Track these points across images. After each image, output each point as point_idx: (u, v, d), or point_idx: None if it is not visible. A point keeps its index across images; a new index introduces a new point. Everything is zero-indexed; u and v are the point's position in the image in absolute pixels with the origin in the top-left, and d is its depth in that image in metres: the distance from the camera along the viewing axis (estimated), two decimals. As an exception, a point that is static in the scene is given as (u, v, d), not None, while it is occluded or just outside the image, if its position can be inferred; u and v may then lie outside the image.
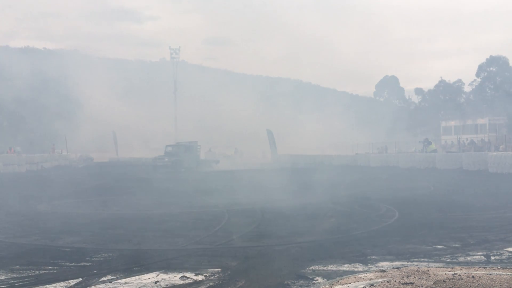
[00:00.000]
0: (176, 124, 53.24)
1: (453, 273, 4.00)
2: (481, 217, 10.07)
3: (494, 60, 62.83)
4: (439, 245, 7.33)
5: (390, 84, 78.33)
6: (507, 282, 3.68)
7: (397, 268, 4.51)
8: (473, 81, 65.44)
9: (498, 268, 4.44)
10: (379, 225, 9.12)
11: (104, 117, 44.54)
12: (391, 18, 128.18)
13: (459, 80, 68.02)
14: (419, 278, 3.87)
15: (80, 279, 5.54)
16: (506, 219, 9.79)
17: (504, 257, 6.48)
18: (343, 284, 3.95)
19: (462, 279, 3.78)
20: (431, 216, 10.29)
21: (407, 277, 3.94)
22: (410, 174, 24.14)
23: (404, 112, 67.26)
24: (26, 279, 5.59)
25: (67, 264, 6.40)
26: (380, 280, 3.91)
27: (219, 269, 5.89)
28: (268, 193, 15.27)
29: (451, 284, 3.67)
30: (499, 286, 3.62)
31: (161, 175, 26.10)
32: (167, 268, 6.02)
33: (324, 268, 5.93)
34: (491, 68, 63.24)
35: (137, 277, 5.60)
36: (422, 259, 6.34)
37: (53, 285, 5.36)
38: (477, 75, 64.21)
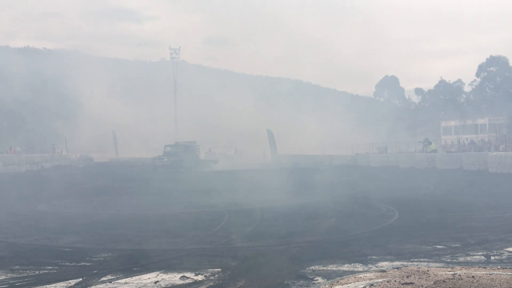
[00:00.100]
0: (176, 124, 53.25)
1: (453, 273, 4.00)
2: (481, 217, 10.07)
3: (494, 60, 62.84)
4: (439, 245, 7.33)
5: (390, 84, 78.32)
6: (507, 282, 3.68)
7: (397, 268, 4.52)
8: (473, 81, 65.48)
9: (498, 268, 4.44)
10: (379, 225, 9.12)
11: (104, 117, 44.56)
12: (391, 18, 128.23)
13: (459, 80, 68.03)
14: (419, 278, 3.87)
15: (80, 279, 5.54)
16: (506, 219, 9.79)
17: (504, 257, 6.48)
18: (343, 284, 3.95)
19: (462, 279, 3.78)
20: (431, 216, 10.29)
21: (407, 277, 3.94)
22: (410, 174, 24.13)
23: (404, 112, 67.30)
24: (26, 279, 5.59)
25: (67, 264, 6.40)
26: (380, 280, 3.91)
27: (219, 269, 5.89)
28: (268, 193, 15.27)
29: (451, 284, 3.67)
30: (499, 286, 3.62)
31: (161, 175, 26.10)
32: (167, 268, 6.02)
33: (324, 268, 5.93)
34: (491, 68, 63.24)
35: (137, 277, 5.60)
36: (422, 259, 6.34)
37: (53, 285, 5.36)
38: (477, 75, 64.22)
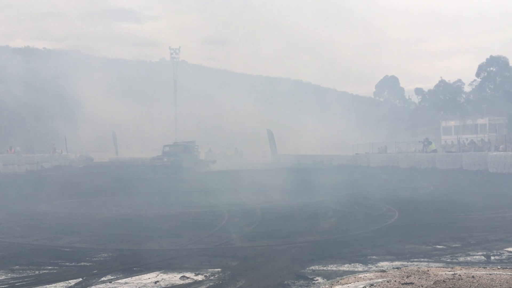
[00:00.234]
0: (176, 124, 53.21)
1: (453, 273, 4.00)
2: (481, 217, 10.08)
3: (494, 60, 62.82)
4: (439, 245, 7.33)
5: (390, 84, 78.26)
6: (507, 282, 3.68)
7: (397, 268, 4.51)
8: (473, 81, 65.46)
9: (498, 268, 4.44)
10: (379, 225, 9.12)
11: (104, 117, 44.57)
12: (391, 18, 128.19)
13: (459, 80, 68.00)
14: (419, 278, 3.87)
15: (80, 279, 5.54)
16: (506, 219, 9.79)
17: (504, 257, 6.48)
18: (343, 284, 3.95)
19: (462, 279, 3.78)
20: (431, 216, 10.29)
21: (407, 277, 3.94)
22: (410, 174, 24.13)
23: (404, 112, 67.31)
24: (26, 279, 5.59)
25: (67, 264, 6.40)
26: (380, 280, 3.91)
27: (219, 269, 5.90)
28: (268, 193, 15.27)
29: (451, 284, 3.67)
30: (499, 286, 3.62)
31: (161, 175, 26.08)
32: (167, 268, 6.02)
33: (324, 268, 5.93)
34: (491, 68, 63.23)
35: (137, 277, 5.60)
36: (422, 259, 6.34)
37: (53, 285, 5.36)
38: (477, 75, 64.21)
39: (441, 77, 70.01)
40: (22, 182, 20.27)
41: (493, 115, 50.61)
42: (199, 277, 5.55)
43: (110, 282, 5.40)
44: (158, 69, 70.24)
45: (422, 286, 3.66)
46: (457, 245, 7.25)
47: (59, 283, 5.41)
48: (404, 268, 4.35)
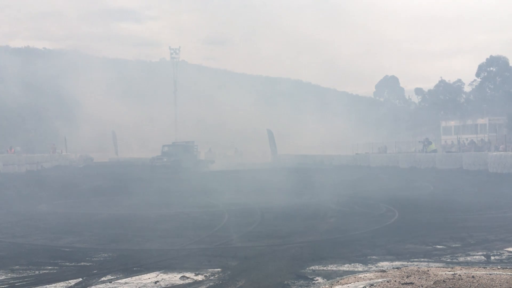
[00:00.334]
0: (176, 124, 53.19)
1: (453, 273, 4.00)
2: (481, 217, 10.08)
3: (494, 60, 62.83)
4: (439, 245, 7.33)
5: (390, 84, 78.26)
6: (507, 282, 3.68)
7: (397, 268, 4.51)
8: (473, 81, 65.48)
9: (498, 268, 4.44)
10: (379, 225, 9.12)
11: (104, 117, 44.54)
12: (391, 18, 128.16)
13: (459, 80, 68.03)
14: (419, 278, 3.87)
15: (80, 279, 5.54)
16: (506, 219, 9.79)
17: (504, 257, 6.48)
18: (343, 284, 3.95)
19: (462, 279, 3.78)
20: (431, 216, 10.29)
21: (407, 277, 3.94)
22: (410, 174, 24.13)
23: (404, 112, 67.31)
24: (26, 279, 5.59)
25: (67, 264, 6.40)
26: (380, 280, 3.91)
27: (219, 269, 5.90)
28: (268, 193, 15.27)
29: (451, 284, 3.67)
30: (499, 286, 3.62)
31: (160, 175, 26.06)
32: (167, 268, 6.02)
33: (324, 268, 5.93)
34: (491, 68, 63.23)
35: (137, 277, 5.60)
36: (422, 259, 6.34)
37: (53, 285, 5.36)
38: (477, 75, 64.21)
39: (441, 77, 70.08)
40: (22, 182, 20.25)
41: (493, 115, 50.58)
42: (199, 277, 5.55)
43: (110, 282, 5.40)
44: (158, 69, 70.18)
45: (422, 286, 3.66)
46: (457, 245, 7.25)
47: (59, 283, 5.41)
48: (404, 268, 4.35)
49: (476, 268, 4.33)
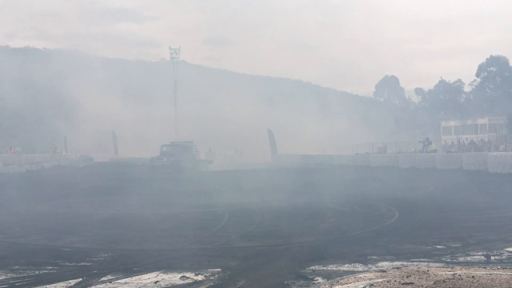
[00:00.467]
0: (176, 124, 53.19)
1: (453, 273, 4.00)
2: (481, 217, 10.08)
3: (494, 60, 62.81)
4: (439, 245, 7.33)
5: (390, 84, 78.21)
6: (507, 282, 3.68)
7: (397, 268, 4.51)
8: (473, 81, 65.46)
9: (498, 268, 4.44)
10: (379, 225, 9.12)
11: (104, 117, 44.55)
12: (391, 18, 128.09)
13: (459, 80, 68.02)
14: (419, 278, 3.87)
15: (80, 279, 5.54)
16: (506, 219, 9.79)
17: (504, 257, 6.48)
18: (343, 284, 3.95)
19: (462, 279, 3.78)
20: (431, 216, 10.29)
21: (407, 277, 3.94)
22: (410, 174, 24.12)
23: (404, 112, 67.30)
24: (26, 279, 5.59)
25: (67, 264, 6.40)
26: (380, 280, 3.91)
27: (219, 269, 5.89)
28: (268, 193, 15.27)
29: (451, 284, 3.67)
30: (499, 286, 3.62)
31: (160, 175, 26.05)
32: (167, 268, 6.02)
33: (324, 268, 5.93)
34: (491, 68, 63.22)
35: (137, 277, 5.60)
36: (422, 259, 6.34)
37: (53, 285, 5.36)
38: (477, 75, 64.20)
39: (441, 77, 70.09)
40: (22, 182, 20.26)
41: (493, 115, 50.57)
42: (199, 277, 5.55)
43: (110, 282, 5.40)
44: (158, 69, 70.16)
45: (422, 286, 3.66)
46: (457, 245, 7.26)
47: (59, 283, 5.41)
48: (404, 268, 4.35)
49: (476, 268, 4.33)
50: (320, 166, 32.76)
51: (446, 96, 66.82)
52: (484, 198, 13.20)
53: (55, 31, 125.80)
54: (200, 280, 5.43)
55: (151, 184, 19.48)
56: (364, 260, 6.32)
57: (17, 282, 5.45)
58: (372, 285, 3.78)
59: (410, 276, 3.96)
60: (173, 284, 5.32)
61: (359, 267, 5.95)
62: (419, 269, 4.24)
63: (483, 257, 6.44)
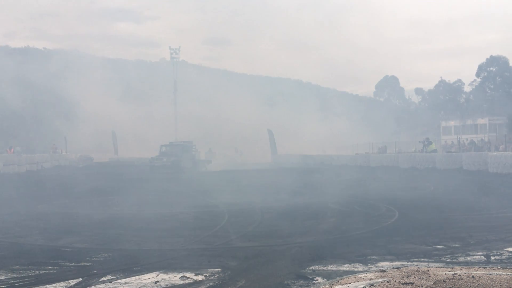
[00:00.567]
0: (176, 124, 53.19)
1: (453, 273, 4.00)
2: (481, 217, 10.08)
3: (494, 60, 62.82)
4: (439, 245, 7.33)
5: (390, 84, 78.26)
6: (507, 282, 3.68)
7: (397, 268, 4.51)
8: (473, 81, 65.49)
9: (498, 268, 4.44)
10: (379, 225, 9.12)
11: (104, 117, 44.55)
12: (391, 17, 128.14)
13: (459, 80, 68.07)
14: (419, 278, 3.86)
15: (80, 279, 5.54)
16: (506, 219, 9.79)
17: (504, 257, 6.48)
18: (343, 284, 3.95)
19: (462, 279, 3.78)
20: (431, 216, 10.29)
21: (407, 277, 3.94)
22: (410, 174, 24.12)
23: (404, 112, 67.31)
24: (26, 279, 5.59)
25: (67, 264, 6.40)
26: (380, 280, 3.91)
27: (219, 269, 5.90)
28: (268, 193, 15.27)
29: (451, 284, 3.67)
30: (499, 286, 3.62)
31: (160, 175, 26.05)
32: (167, 268, 6.02)
33: (324, 268, 5.93)
34: (491, 68, 63.23)
35: (137, 277, 5.60)
36: (422, 259, 6.34)
37: (53, 285, 5.36)
38: (477, 75, 64.22)
39: (441, 77, 70.13)
40: (22, 182, 20.27)
41: (493, 115, 50.58)
42: (199, 277, 5.55)
43: (110, 282, 5.40)
44: (158, 69, 70.20)
45: (422, 286, 3.66)
46: (457, 245, 7.25)
47: (59, 283, 5.41)
48: (404, 268, 4.35)
49: (476, 268, 4.33)
50: (320, 166, 32.75)
51: (446, 96, 66.85)
52: (484, 198, 13.20)
53: (55, 31, 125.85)
54: (200, 280, 5.43)
55: (151, 184, 19.49)
56: (364, 260, 6.32)
57: (17, 282, 5.45)
58: (372, 285, 3.78)
59: (410, 276, 3.96)
60: (173, 284, 5.32)
61: (359, 267, 5.95)
62: (419, 269, 4.24)
63: (483, 257, 6.44)
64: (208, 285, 5.24)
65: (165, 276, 5.61)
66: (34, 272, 5.90)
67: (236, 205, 12.51)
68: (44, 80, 46.55)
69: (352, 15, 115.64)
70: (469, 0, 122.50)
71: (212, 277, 5.53)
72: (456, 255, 6.60)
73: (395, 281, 3.82)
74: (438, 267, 5.06)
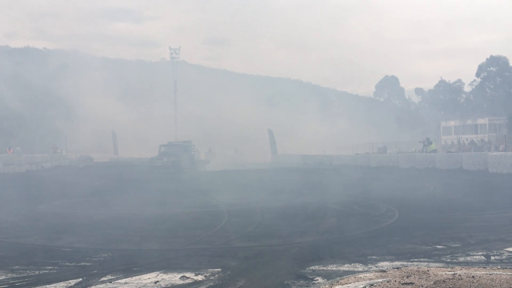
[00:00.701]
0: (176, 124, 53.21)
1: (453, 273, 4.00)
2: (481, 217, 10.07)
3: (494, 60, 62.84)
4: (439, 245, 7.33)
5: (390, 84, 78.28)
6: (507, 282, 3.68)
7: (397, 268, 4.51)
8: (473, 81, 65.53)
9: (498, 268, 4.44)
10: (379, 225, 9.12)
11: (104, 117, 44.57)
12: (391, 17, 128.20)
13: (459, 80, 68.12)
14: (419, 278, 3.86)
15: (80, 279, 5.54)
16: (506, 219, 9.79)
17: (504, 257, 6.48)
18: (343, 284, 3.95)
19: (462, 279, 3.78)
20: (431, 216, 10.29)
21: (407, 277, 3.94)
22: (410, 174, 24.12)
23: (404, 112, 67.35)
24: (26, 279, 5.59)
25: (67, 264, 6.40)
26: (380, 280, 3.91)
27: (219, 269, 5.89)
28: (268, 193, 15.27)
29: (451, 284, 3.67)
30: (499, 286, 3.62)
31: (160, 175, 26.05)
32: (167, 268, 6.02)
33: (324, 268, 5.92)
34: (491, 68, 63.25)
35: (137, 277, 5.60)
36: (422, 259, 6.34)
37: (53, 285, 5.36)
38: (477, 75, 64.25)
39: (441, 77, 70.22)
40: (22, 182, 20.26)
41: (493, 115, 50.60)
42: (199, 277, 5.55)
43: (110, 282, 5.40)
44: (158, 69, 70.24)
45: (422, 286, 3.66)
46: (457, 245, 7.25)
47: (59, 283, 5.41)
48: (404, 268, 4.35)
49: (476, 268, 4.33)
50: (320, 166, 32.78)
51: (446, 96, 66.89)
52: (484, 198, 13.20)
53: (55, 31, 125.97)
54: (200, 280, 5.43)
55: (151, 184, 19.48)
56: (364, 260, 6.32)
57: (17, 282, 5.45)
58: (372, 285, 3.78)
59: (410, 276, 3.96)
60: (173, 284, 5.32)
61: (359, 267, 5.95)
62: (419, 269, 4.24)
63: (483, 257, 6.44)
64: (208, 285, 5.24)
65: (165, 276, 5.61)
66: (34, 272, 5.90)
67: (236, 205, 12.51)
68: (44, 80, 46.58)
69: (352, 15, 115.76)
70: (469, 0, 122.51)
71: (212, 277, 5.53)
72: (456, 255, 6.59)
73: (395, 281, 3.82)
74: (438, 267, 5.06)
